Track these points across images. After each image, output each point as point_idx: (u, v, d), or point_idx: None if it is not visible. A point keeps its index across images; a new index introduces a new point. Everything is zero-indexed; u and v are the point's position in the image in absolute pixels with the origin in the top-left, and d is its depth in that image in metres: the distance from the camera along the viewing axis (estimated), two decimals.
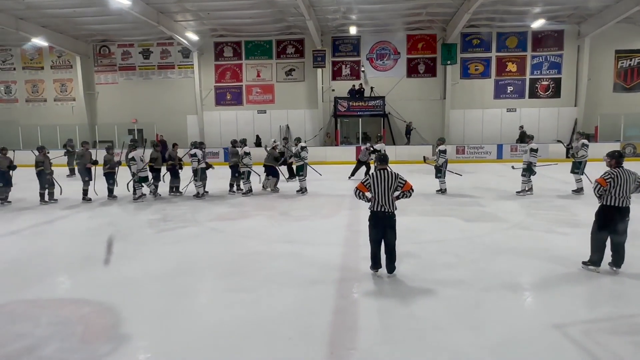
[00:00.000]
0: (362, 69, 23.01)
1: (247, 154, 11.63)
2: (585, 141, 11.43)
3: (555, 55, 22.26)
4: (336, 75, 23.34)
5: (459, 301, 4.84)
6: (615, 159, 5.52)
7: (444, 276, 5.60)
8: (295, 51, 23.41)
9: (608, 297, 5.05)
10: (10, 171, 11.04)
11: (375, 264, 5.61)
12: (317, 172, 13.88)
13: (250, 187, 11.89)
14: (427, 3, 19.00)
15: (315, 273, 5.81)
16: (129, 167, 11.20)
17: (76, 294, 5.37)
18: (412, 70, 22.99)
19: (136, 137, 23.72)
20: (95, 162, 11.56)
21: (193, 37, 21.75)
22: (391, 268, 5.56)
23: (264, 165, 12.48)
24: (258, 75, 23.75)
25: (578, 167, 11.33)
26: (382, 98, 22.11)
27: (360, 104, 22.06)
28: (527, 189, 11.29)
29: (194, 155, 11.42)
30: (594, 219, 5.63)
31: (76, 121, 24.06)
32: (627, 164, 5.75)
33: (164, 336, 4.18)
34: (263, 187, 12.57)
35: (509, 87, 22.71)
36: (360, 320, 4.44)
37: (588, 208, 5.79)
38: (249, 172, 11.77)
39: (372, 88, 22.68)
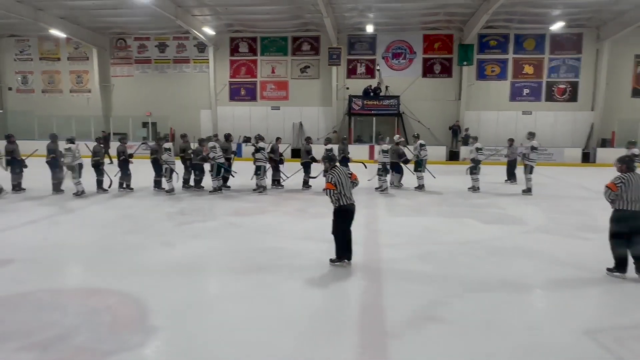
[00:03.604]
0: (378, 67, 22.90)
1: (167, 149, 11.25)
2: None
3: (574, 59, 22.00)
4: (351, 73, 23.25)
5: (485, 304, 4.80)
6: (626, 164, 5.50)
7: (468, 278, 5.57)
8: (311, 48, 23.36)
9: (636, 304, 4.97)
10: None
11: (345, 255, 5.92)
12: (232, 172, 12.47)
13: (173, 185, 11.42)
14: (446, 3, 18.86)
15: (338, 271, 5.80)
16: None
17: (100, 284, 5.38)
18: (427, 70, 22.84)
19: (150, 130, 23.91)
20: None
21: (209, 31, 21.80)
22: (351, 255, 5.96)
23: (390, 162, 12.59)
24: (273, 72, 23.74)
25: (420, 166, 12.39)
26: (397, 97, 22.02)
27: (375, 102, 21.99)
28: (383, 187, 11.96)
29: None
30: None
31: (91, 113, 24.21)
32: None
33: (193, 330, 4.18)
34: (390, 183, 12.62)
35: (525, 90, 22.50)
36: (387, 320, 4.42)
37: (607, 213, 5.72)
38: (171, 170, 11.30)
39: (387, 87, 22.59)
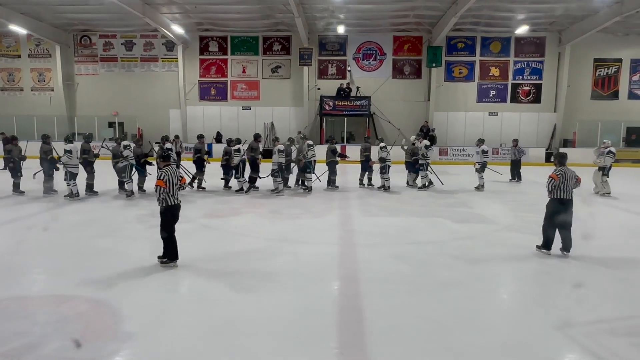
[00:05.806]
0: (349, 68, 23.04)
1: (68, 151, 10.54)
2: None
3: (537, 62, 22.73)
4: (322, 73, 23.30)
5: (460, 302, 4.90)
6: (558, 159, 6.68)
7: (443, 277, 5.66)
8: (282, 48, 23.28)
9: (606, 299, 5.14)
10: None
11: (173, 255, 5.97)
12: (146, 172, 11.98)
13: (76, 190, 10.68)
14: (415, 5, 19.15)
15: (315, 272, 5.80)
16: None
17: (70, 290, 5.18)
18: (397, 71, 23.13)
19: (117, 130, 23.31)
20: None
21: (178, 30, 21.39)
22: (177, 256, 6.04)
23: (405, 162, 12.78)
24: (243, 71, 23.53)
25: (309, 167, 12.11)
26: (368, 98, 22.19)
27: (346, 103, 22.09)
28: (279, 189, 11.70)
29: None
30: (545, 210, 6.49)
31: (54, 112, 23.39)
32: None
33: (169, 335, 4.09)
34: (407, 183, 12.74)
35: (491, 91, 23.09)
36: (366, 320, 4.45)
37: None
38: (71, 173, 10.53)
39: (357, 88, 22.74)
